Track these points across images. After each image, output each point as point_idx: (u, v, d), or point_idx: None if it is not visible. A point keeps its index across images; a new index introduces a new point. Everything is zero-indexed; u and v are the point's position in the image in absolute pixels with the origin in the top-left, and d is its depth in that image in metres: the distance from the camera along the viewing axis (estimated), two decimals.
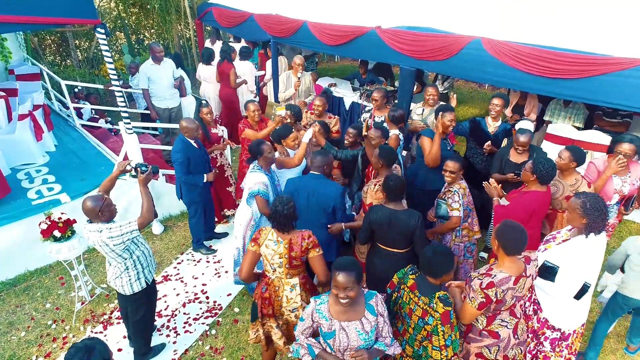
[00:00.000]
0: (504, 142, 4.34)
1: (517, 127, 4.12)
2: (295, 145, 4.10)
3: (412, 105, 5.51)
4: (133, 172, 3.29)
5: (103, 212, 2.93)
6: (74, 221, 3.74)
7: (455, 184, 3.49)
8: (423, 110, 5.00)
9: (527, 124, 4.39)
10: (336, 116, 5.24)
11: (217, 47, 8.52)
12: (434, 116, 4.09)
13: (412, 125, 4.38)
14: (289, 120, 4.58)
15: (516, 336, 2.50)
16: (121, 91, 4.52)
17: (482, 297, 2.29)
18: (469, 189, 3.58)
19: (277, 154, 4.07)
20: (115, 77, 4.43)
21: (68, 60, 11.52)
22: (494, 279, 2.32)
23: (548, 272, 2.56)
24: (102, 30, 4.15)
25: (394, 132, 4.39)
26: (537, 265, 2.54)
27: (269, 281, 2.82)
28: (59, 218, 3.65)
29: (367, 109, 5.18)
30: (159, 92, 5.87)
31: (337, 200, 3.41)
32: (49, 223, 3.61)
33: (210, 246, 4.84)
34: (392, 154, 3.53)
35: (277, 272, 2.76)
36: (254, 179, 3.54)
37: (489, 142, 4.25)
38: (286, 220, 2.68)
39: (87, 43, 11.71)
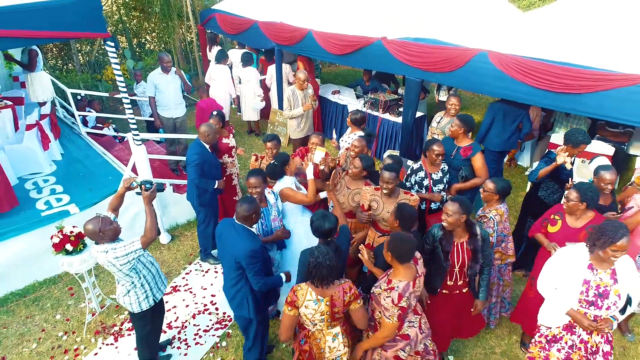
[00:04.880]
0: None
1: (594, 165, 3.68)
2: (292, 172, 3.74)
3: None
4: (137, 190, 3.27)
5: (104, 232, 2.91)
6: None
7: (492, 209, 3.43)
8: (441, 118, 5.02)
9: (603, 160, 3.96)
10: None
11: (213, 52, 8.50)
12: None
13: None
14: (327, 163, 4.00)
15: (422, 331, 2.76)
16: (129, 100, 4.54)
17: (398, 311, 2.48)
18: (506, 214, 3.48)
19: (288, 181, 3.76)
20: (124, 88, 4.45)
21: (70, 64, 11.51)
22: (399, 290, 2.49)
23: None
24: (112, 44, 4.17)
25: (358, 133, 4.67)
26: (423, 264, 2.75)
27: (309, 333, 2.65)
28: (71, 232, 3.68)
29: (414, 167, 4.18)
30: (165, 102, 5.89)
31: (243, 260, 2.87)
32: (61, 237, 3.64)
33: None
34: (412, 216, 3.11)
35: (318, 326, 2.60)
36: None
37: (571, 181, 3.94)
38: (329, 273, 2.44)
39: (88, 47, 11.70)
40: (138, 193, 3.23)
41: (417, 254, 2.73)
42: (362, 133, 4.73)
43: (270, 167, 3.78)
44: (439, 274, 3.04)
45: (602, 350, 2.80)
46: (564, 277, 2.72)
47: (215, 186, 4.36)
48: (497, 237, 3.44)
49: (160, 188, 3.32)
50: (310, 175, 3.65)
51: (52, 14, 3.80)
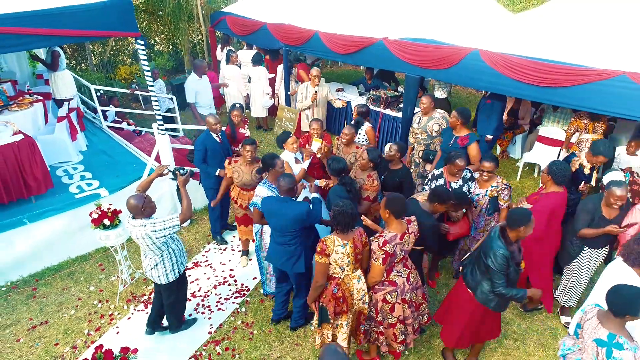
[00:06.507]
0: (595, 175, 4.30)
1: (607, 179, 3.81)
2: (294, 149, 4.47)
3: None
4: (171, 175, 3.72)
5: (145, 208, 3.31)
6: (120, 211, 4.21)
7: (499, 183, 3.99)
8: (420, 118, 5.21)
9: (617, 175, 4.00)
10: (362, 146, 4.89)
11: (224, 53, 8.99)
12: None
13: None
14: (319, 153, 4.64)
15: (410, 283, 3.23)
16: (155, 94, 5.01)
17: (382, 254, 2.97)
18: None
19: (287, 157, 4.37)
20: (152, 82, 4.92)
21: (83, 64, 11.99)
22: (386, 238, 2.99)
23: None
24: (142, 42, 4.64)
25: (367, 124, 5.27)
26: (416, 225, 3.22)
27: (339, 281, 3.08)
28: (108, 208, 4.13)
29: (435, 173, 4.32)
30: (206, 102, 6.48)
31: (305, 220, 3.42)
32: (100, 213, 4.08)
33: (233, 236, 5.33)
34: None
35: (346, 271, 3.07)
36: (256, 192, 3.79)
37: (584, 183, 4.16)
38: (352, 220, 2.95)
39: (100, 48, 12.18)
40: (172, 178, 3.66)
41: (412, 217, 3.24)
42: (368, 124, 5.21)
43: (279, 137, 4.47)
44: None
45: None
46: None
47: (217, 173, 4.71)
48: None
49: (192, 173, 3.78)
50: (305, 165, 4.34)
51: (92, 15, 4.29)
